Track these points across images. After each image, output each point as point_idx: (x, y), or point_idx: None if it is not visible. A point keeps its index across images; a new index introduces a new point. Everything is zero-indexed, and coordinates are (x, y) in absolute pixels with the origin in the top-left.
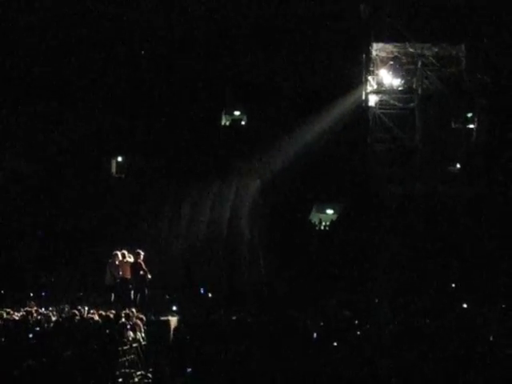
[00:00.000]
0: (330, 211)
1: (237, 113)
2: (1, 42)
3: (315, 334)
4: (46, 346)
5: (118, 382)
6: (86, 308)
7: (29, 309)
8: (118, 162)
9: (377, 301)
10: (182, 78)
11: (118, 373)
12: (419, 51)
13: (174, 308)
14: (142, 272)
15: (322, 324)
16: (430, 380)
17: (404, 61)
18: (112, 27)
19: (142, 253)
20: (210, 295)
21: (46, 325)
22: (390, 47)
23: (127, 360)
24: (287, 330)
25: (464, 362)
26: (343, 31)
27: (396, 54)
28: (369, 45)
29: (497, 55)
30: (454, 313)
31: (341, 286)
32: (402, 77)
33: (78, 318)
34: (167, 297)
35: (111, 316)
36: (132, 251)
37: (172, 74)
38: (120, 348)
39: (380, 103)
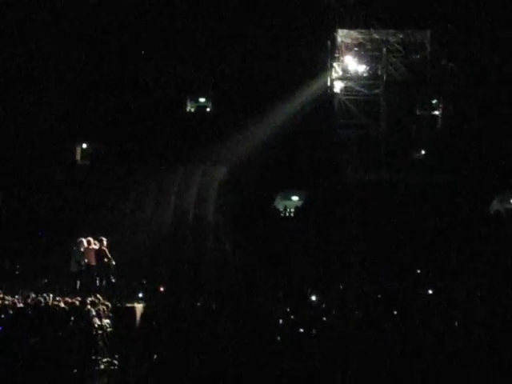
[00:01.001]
0: (295, 198)
1: (202, 99)
2: None
3: (281, 321)
4: (10, 334)
5: (83, 368)
6: (51, 295)
7: None
8: (82, 149)
9: (341, 287)
10: (147, 64)
11: (83, 359)
12: (384, 38)
13: (140, 295)
14: (106, 259)
15: (288, 310)
16: (396, 365)
17: (369, 47)
18: (78, 14)
19: (105, 239)
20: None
21: (10, 312)
22: (355, 34)
23: (93, 347)
24: (253, 317)
25: (430, 349)
26: (308, 17)
27: (361, 40)
28: (334, 31)
29: (461, 42)
30: (420, 299)
31: (307, 272)
32: (367, 63)
33: (43, 305)
34: (133, 283)
35: (77, 303)
36: (97, 238)
37: (137, 60)
38: (85, 335)
39: (345, 90)
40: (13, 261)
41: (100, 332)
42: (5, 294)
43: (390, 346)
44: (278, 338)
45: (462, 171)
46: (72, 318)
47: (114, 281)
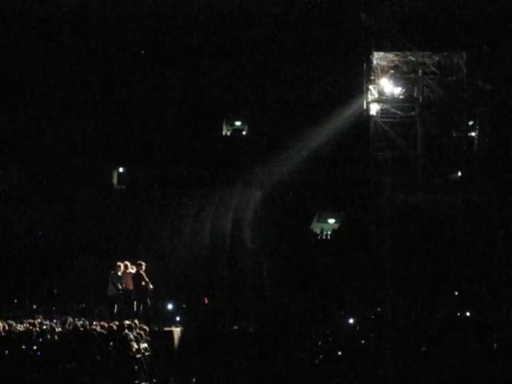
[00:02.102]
0: (331, 220)
1: (238, 123)
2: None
3: (319, 343)
4: (49, 358)
5: None
6: (87, 320)
7: (32, 321)
8: (119, 173)
9: (379, 309)
10: (183, 89)
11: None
12: (420, 60)
13: (178, 318)
14: (143, 283)
15: (326, 333)
16: None
17: (405, 69)
18: (114, 38)
19: (144, 264)
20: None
21: (49, 336)
22: (390, 56)
23: (131, 371)
24: (290, 340)
25: (468, 369)
26: (344, 40)
27: (397, 62)
28: (369, 54)
29: (497, 63)
30: (456, 320)
31: (344, 294)
32: (403, 85)
33: (81, 329)
34: (170, 307)
35: (114, 327)
36: (134, 262)
37: (173, 84)
38: (123, 359)
39: (381, 112)
40: (50, 285)
41: (138, 356)
42: (43, 318)
43: (428, 369)
44: (316, 361)
45: (499, 192)
46: (110, 343)
47: (150, 304)
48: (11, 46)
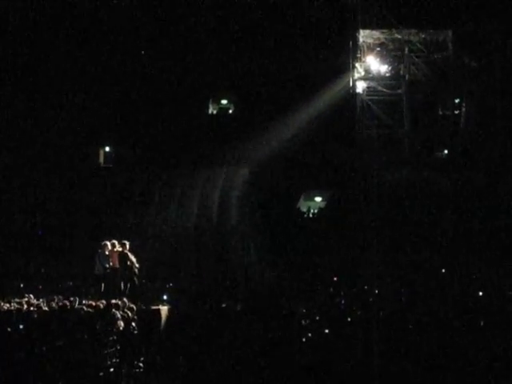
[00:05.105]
0: (318, 199)
1: (224, 101)
2: None
3: (307, 321)
4: (37, 337)
5: (109, 371)
6: (77, 298)
7: (19, 299)
8: (105, 152)
9: (367, 287)
10: (169, 67)
11: (109, 362)
12: (406, 37)
13: (165, 297)
14: (128, 262)
15: (313, 311)
16: (421, 366)
17: (391, 47)
18: (98, 18)
19: (128, 243)
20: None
21: (36, 315)
22: (376, 34)
23: (118, 350)
24: (278, 318)
25: (458, 347)
26: (330, 18)
27: (383, 40)
28: (356, 31)
29: (484, 40)
30: (446, 297)
31: (331, 273)
32: (390, 63)
33: (68, 308)
34: (157, 286)
35: (101, 306)
36: (121, 241)
37: (159, 62)
38: (111, 338)
39: (367, 90)
40: (38, 264)
41: (125, 335)
42: (30, 297)
43: (415, 347)
44: (304, 339)
45: (485, 170)
46: (97, 321)
47: (138, 283)
48: None
